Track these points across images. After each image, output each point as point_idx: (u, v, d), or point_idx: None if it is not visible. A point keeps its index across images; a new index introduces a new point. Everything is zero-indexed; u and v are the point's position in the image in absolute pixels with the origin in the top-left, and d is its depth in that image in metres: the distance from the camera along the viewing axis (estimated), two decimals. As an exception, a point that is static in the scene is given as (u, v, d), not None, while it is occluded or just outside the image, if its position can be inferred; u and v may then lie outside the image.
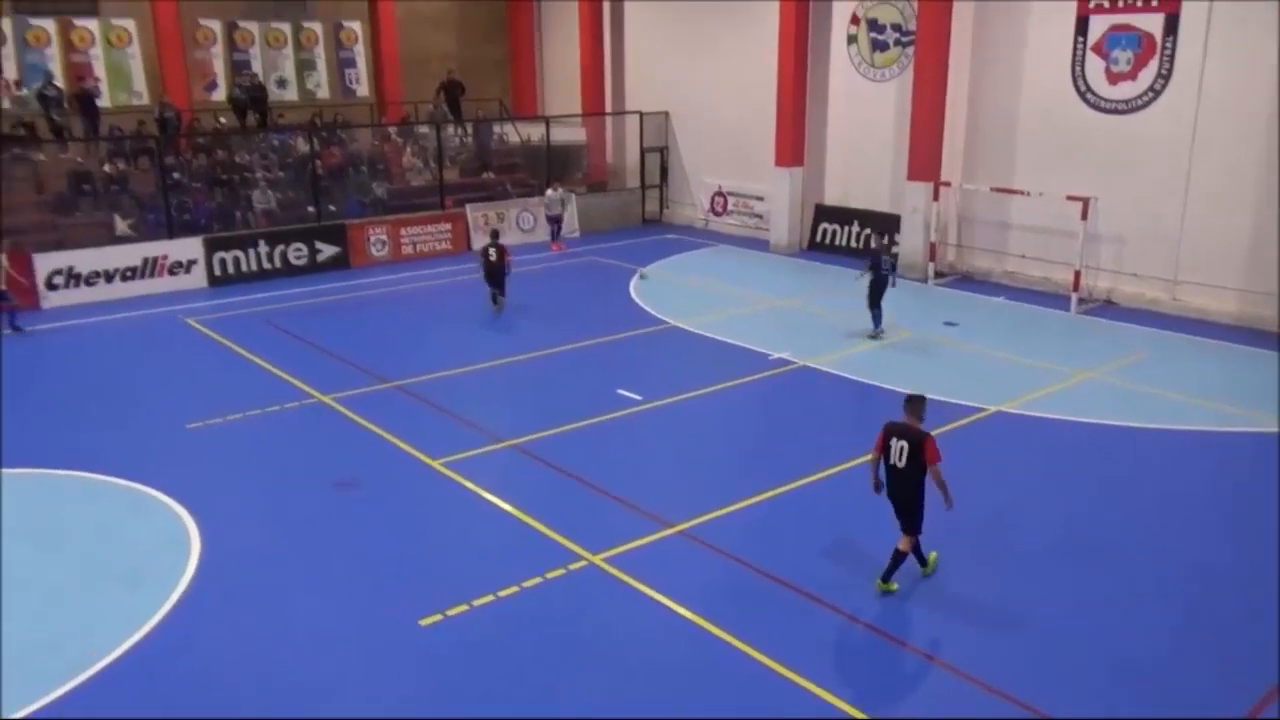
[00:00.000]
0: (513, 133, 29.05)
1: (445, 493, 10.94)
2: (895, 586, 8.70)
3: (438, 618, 8.39)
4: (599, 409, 13.27)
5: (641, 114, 27.93)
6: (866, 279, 16.31)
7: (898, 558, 8.63)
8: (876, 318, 16.49)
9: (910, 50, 21.31)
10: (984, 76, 20.29)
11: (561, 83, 31.12)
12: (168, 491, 10.85)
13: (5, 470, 11.48)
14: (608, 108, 29.10)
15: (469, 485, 11.00)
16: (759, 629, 8.09)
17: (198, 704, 7.36)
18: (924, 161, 20.65)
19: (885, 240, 19.10)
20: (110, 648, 8.00)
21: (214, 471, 11.57)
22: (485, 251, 18.67)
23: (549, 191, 25.12)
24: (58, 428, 13.02)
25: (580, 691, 7.45)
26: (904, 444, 8.42)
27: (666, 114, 27.84)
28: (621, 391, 13.83)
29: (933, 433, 8.53)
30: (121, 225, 21.06)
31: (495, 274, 18.42)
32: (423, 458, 11.78)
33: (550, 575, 9.04)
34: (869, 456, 8.80)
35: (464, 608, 8.53)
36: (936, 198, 20.65)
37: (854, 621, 8.34)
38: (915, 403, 8.56)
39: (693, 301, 19.18)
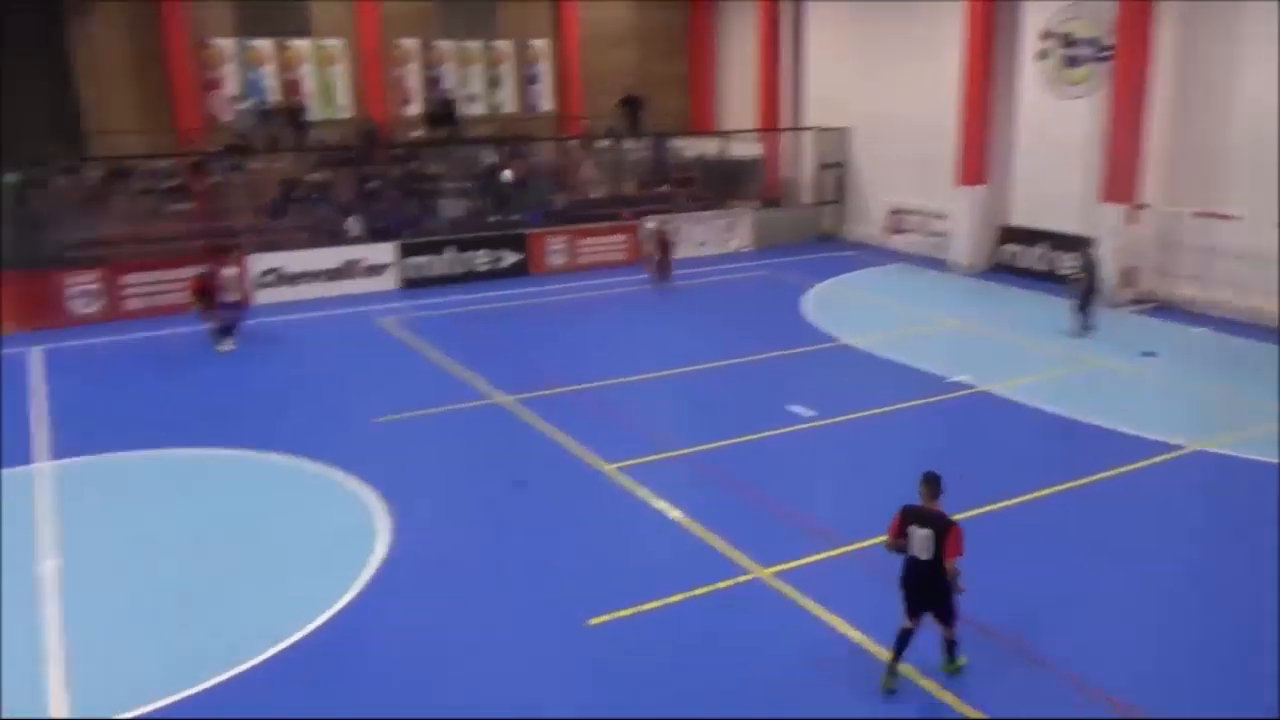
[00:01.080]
0: (689, 147, 29.33)
1: (616, 497, 11.11)
2: (963, 659, 7.67)
3: (606, 618, 8.53)
4: (769, 423, 13.19)
5: (819, 129, 27.70)
6: (1080, 279, 17.31)
7: (950, 647, 7.60)
8: (1085, 319, 17.21)
9: (1106, 67, 20.24)
10: (1189, 89, 19.03)
11: (739, 99, 31.21)
12: (360, 479, 11.47)
13: (220, 450, 12.44)
14: (785, 123, 28.99)
15: (639, 491, 11.13)
16: (929, 657, 7.83)
17: (373, 686, 7.75)
18: (1119, 182, 19.55)
19: (1088, 253, 18.16)
20: (300, 625, 8.51)
21: (399, 463, 12.14)
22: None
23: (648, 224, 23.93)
24: (264, 414, 14.00)
25: (741, 703, 7.41)
26: (928, 532, 7.24)
27: (845, 130, 27.48)
28: (792, 407, 13.70)
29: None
30: (355, 228, 22.36)
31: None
32: (595, 461, 12.01)
33: (718, 586, 9.04)
34: (884, 539, 7.58)
35: (632, 611, 8.63)
36: (1132, 220, 19.52)
37: (1033, 662, 7.96)
38: (931, 483, 7.39)
39: (867, 319, 18.83)
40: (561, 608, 8.75)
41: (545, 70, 30.54)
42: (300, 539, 10.23)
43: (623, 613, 8.60)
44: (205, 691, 7.63)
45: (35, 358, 16.88)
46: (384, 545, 9.94)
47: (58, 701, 7.52)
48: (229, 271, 18.00)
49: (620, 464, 11.89)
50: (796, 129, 28.73)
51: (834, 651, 8.06)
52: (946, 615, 7.46)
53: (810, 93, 28.52)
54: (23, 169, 20.20)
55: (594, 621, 8.48)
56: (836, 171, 27.88)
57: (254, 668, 7.93)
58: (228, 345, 17.20)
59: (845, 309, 19.85)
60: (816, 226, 28.01)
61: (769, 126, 29.00)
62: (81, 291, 19.20)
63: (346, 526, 10.46)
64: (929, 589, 7.34)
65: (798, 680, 7.69)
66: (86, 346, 17.65)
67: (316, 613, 8.67)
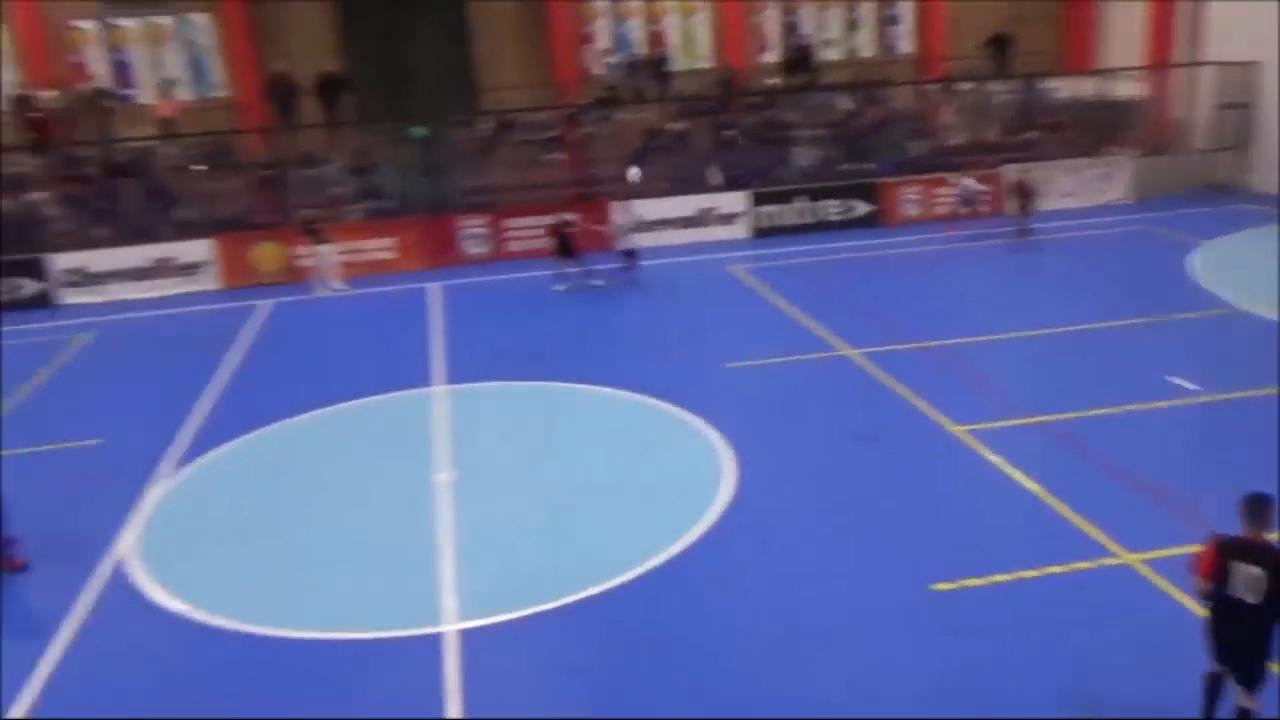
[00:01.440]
0: (1062, 88, 27.03)
1: (964, 461, 10.74)
2: None
3: (951, 585, 8.34)
4: (1142, 395, 12.08)
5: (1220, 64, 24.42)
6: None
7: (1244, 716, 6.07)
8: None
9: None
10: None
11: (1122, 33, 28.17)
12: (709, 421, 11.97)
13: (580, 385, 13.49)
14: (1178, 58, 25.84)
15: (990, 457, 10.68)
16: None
17: (715, 624, 8.14)
18: None
19: None
20: (650, 555, 9.10)
21: (746, 409, 12.50)
22: None
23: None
24: (622, 355, 14.96)
25: (1086, 695, 6.98)
26: (1259, 572, 5.74)
27: (1253, 65, 23.99)
28: (1173, 379, 12.44)
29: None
30: (715, 177, 23.14)
31: None
32: (944, 422, 11.66)
33: (1077, 566, 8.51)
34: (1195, 581, 6.08)
35: (980, 581, 8.37)
36: None
37: None
38: (1261, 507, 5.91)
39: (1270, 283, 16.56)
40: (904, 568, 8.67)
41: (907, 10, 29.35)
42: (653, 473, 10.89)
43: (970, 581, 8.36)
44: (572, 604, 8.41)
45: (434, 292, 19.11)
46: (729, 488, 10.33)
47: (448, 600, 8.62)
48: (616, 214, 19.48)
49: (971, 426, 11.46)
50: (1193, 64, 25.53)
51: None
52: (1254, 677, 5.96)
53: (1211, 21, 25.15)
54: (428, 123, 22.67)
55: (938, 587, 8.32)
56: (1239, 113, 24.50)
57: (619, 586, 8.61)
58: (562, 287, 18.50)
59: (1242, 270, 17.57)
60: (1209, 176, 24.86)
61: (1159, 63, 26.01)
62: (472, 234, 21.41)
63: (695, 465, 10.98)
64: (1249, 637, 5.88)
65: (1153, 682, 7.10)
66: (475, 284, 19.68)
67: (665, 544, 9.23)
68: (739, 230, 22.40)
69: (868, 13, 29.07)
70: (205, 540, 10.01)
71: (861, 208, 22.82)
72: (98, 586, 9.18)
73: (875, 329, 15.24)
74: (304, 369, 15.27)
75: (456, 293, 19.11)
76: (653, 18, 27.65)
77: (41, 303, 19.92)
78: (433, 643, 7.99)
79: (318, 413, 13.13)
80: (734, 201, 22.46)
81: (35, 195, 21.69)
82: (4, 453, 12.10)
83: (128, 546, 9.85)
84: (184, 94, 24.71)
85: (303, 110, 23.21)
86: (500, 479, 10.93)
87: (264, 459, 12.00)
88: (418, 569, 9.11)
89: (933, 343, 14.47)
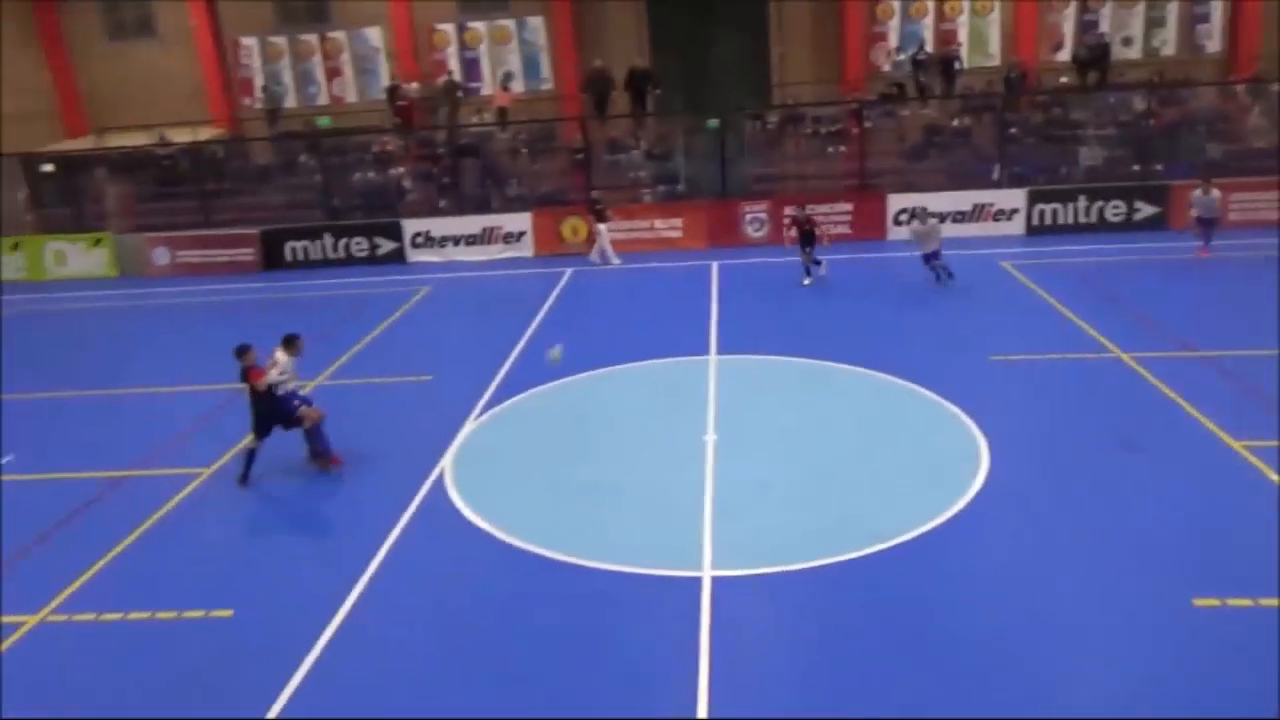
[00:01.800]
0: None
1: (1242, 478, 9.52)
2: None
3: (1215, 602, 7.46)
4: None
5: None
6: None
7: None
8: None
9: None
10: None
11: None
12: (969, 412, 11.37)
13: (842, 365, 13.20)
14: None
15: (1272, 476, 9.41)
16: None
17: (949, 602, 7.74)
18: None
19: None
20: (899, 531, 8.80)
21: (1006, 403, 11.74)
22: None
23: (1196, 192, 18.65)
24: (888, 340, 14.46)
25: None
26: None
27: None
28: None
29: None
30: (994, 173, 21.83)
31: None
32: (1221, 435, 10.39)
33: (1366, 602, 7.36)
34: None
35: (1248, 602, 7.43)
36: None
37: None
38: None
39: None
40: (1163, 579, 7.85)
41: (1217, 7, 26.00)
42: (908, 454, 10.49)
43: (1237, 601, 7.44)
44: (821, 567, 8.33)
45: (714, 270, 19.37)
46: (980, 479, 9.78)
47: (707, 549, 8.78)
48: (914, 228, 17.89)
49: (1251, 443, 10.12)
50: None
51: None
52: None
53: None
54: (722, 116, 22.90)
55: (1201, 602, 7.47)
56: None
57: (868, 555, 8.43)
58: (810, 279, 17.79)
59: None
60: None
61: None
62: (753, 218, 21.46)
63: (950, 452, 10.47)
64: None
65: None
66: (753, 264, 19.73)
67: (915, 523, 8.90)
68: (1015, 227, 20.94)
69: (1173, 10, 26.06)
70: (506, 471, 10.80)
71: (1146, 209, 20.62)
72: (419, 499, 10.16)
73: (1152, 333, 13.80)
74: (598, 330, 16.01)
75: (734, 272, 19.25)
76: (945, 16, 26.27)
77: (396, 259, 22.15)
78: (692, 585, 8.20)
79: (608, 369, 13.74)
80: (1012, 198, 21.01)
81: (397, 170, 24.09)
82: (357, 381, 13.66)
83: (446, 469, 10.83)
84: (518, 87, 26.42)
85: (614, 102, 24.15)
86: (764, 445, 10.95)
87: (560, 406, 12.73)
88: (684, 517, 9.34)
89: (1214, 352, 12.90)
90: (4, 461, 11.76)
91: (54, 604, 8.56)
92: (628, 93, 23.94)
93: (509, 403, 12.78)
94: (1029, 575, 8.10)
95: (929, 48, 25.35)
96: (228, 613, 8.28)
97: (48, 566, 9.25)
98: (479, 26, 26.96)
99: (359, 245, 22.26)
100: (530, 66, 27.22)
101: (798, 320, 15.77)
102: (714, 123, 22.81)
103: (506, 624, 7.89)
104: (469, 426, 12.01)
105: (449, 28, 26.94)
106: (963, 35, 26.25)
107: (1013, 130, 22.67)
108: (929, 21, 26.25)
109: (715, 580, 8.25)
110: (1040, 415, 11.46)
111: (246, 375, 10.48)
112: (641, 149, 23.95)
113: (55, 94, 27.59)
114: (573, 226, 21.87)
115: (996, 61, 25.95)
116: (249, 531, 10.13)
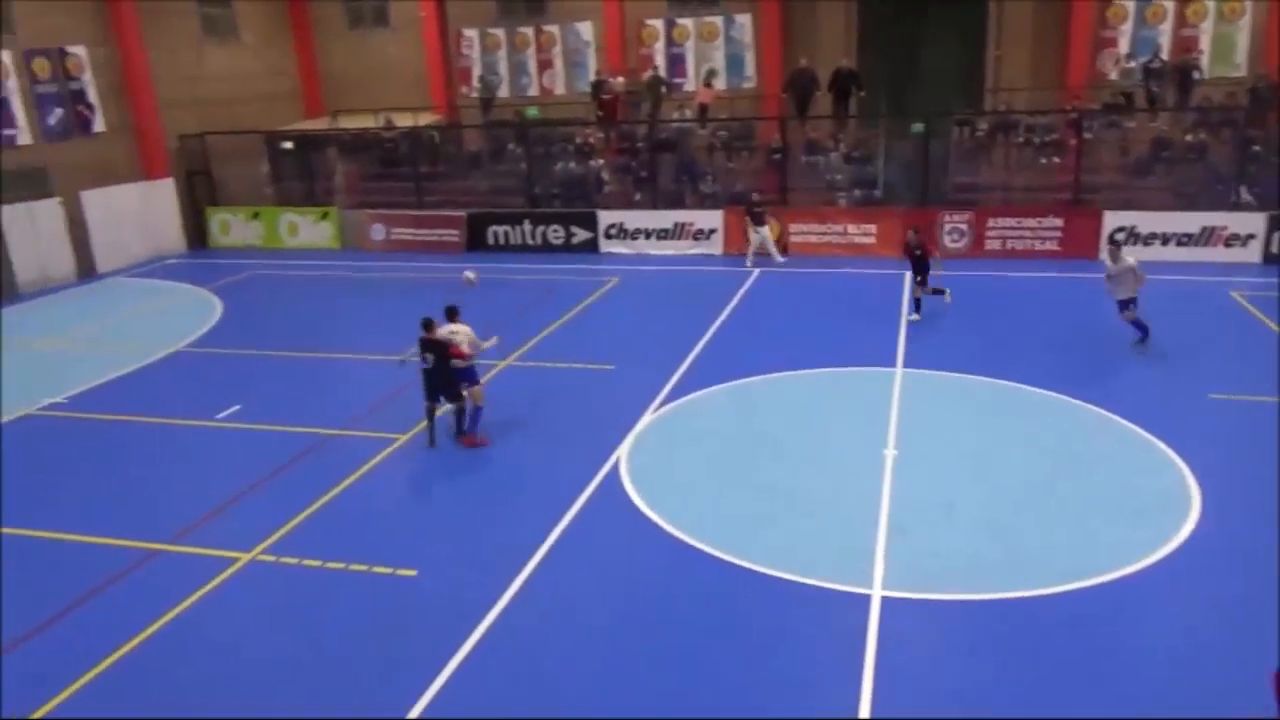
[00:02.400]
0: None
1: None
2: None
3: None
4: None
5: None
6: None
7: None
8: None
9: None
10: None
11: None
12: (1179, 451, 10.46)
13: (1039, 390, 12.42)
14: None
15: None
16: None
17: (1133, 658, 7.13)
18: None
19: None
20: (1092, 574, 8.20)
21: (1226, 444, 10.71)
22: None
23: None
24: (1096, 369, 13.48)
25: None
26: None
27: None
28: None
29: None
30: (1236, 194, 19.99)
31: None
32: None
33: None
34: None
35: None
36: None
37: None
38: None
39: None
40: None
41: None
42: (1105, 491, 9.76)
43: None
44: (996, 601, 7.90)
45: (906, 280, 18.64)
46: (1188, 527, 8.97)
47: (879, 567, 8.51)
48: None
49: None
50: None
51: None
52: None
53: None
54: (928, 120, 22.03)
55: None
56: None
57: (1049, 595, 7.94)
58: (918, 315, 16.04)
59: None
60: None
61: None
62: (953, 229, 20.54)
63: (1153, 494, 9.67)
64: None
65: None
66: (948, 277, 18.86)
67: (1106, 567, 8.28)
68: (1250, 254, 18.99)
69: None
70: (681, 465, 10.88)
71: None
72: (595, 483, 10.40)
73: None
74: (783, 333, 15.81)
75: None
76: (1186, 21, 24.12)
77: (589, 248, 22.73)
78: (860, 602, 7.98)
79: (790, 373, 13.56)
80: (1249, 222, 19.07)
81: (596, 162, 24.71)
82: (544, 364, 14.15)
83: (622, 458, 11.02)
84: (720, 84, 26.45)
85: (816, 102, 23.74)
86: (946, 465, 10.50)
87: (739, 406, 12.68)
88: (857, 532, 9.11)
89: None
90: (232, 410, 12.97)
91: (263, 544, 9.37)
92: (830, 93, 23.47)
93: (688, 398, 12.85)
94: (1236, 640, 7.35)
95: (1164, 55, 23.37)
96: (412, 571, 8.79)
97: (261, 510, 10.14)
98: (687, 23, 27.17)
99: (555, 233, 23.00)
100: (734, 64, 27.18)
101: (993, 339, 14.96)
102: (918, 127, 21.98)
103: (670, 616, 7.97)
104: (647, 417, 12.17)
105: (658, 23, 27.31)
106: (1205, 42, 24.00)
107: (1256, 148, 20.56)
108: (1167, 26, 24.17)
109: (885, 600, 7.99)
110: (1265, 463, 10.37)
111: (447, 350, 11.07)
112: (840, 152, 23.41)
113: (299, 77, 30.06)
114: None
115: (1242, 72, 23.59)
116: (436, 497, 10.72)
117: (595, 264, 21.67)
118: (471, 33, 28.83)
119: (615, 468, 10.75)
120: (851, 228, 21.22)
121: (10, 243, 20.61)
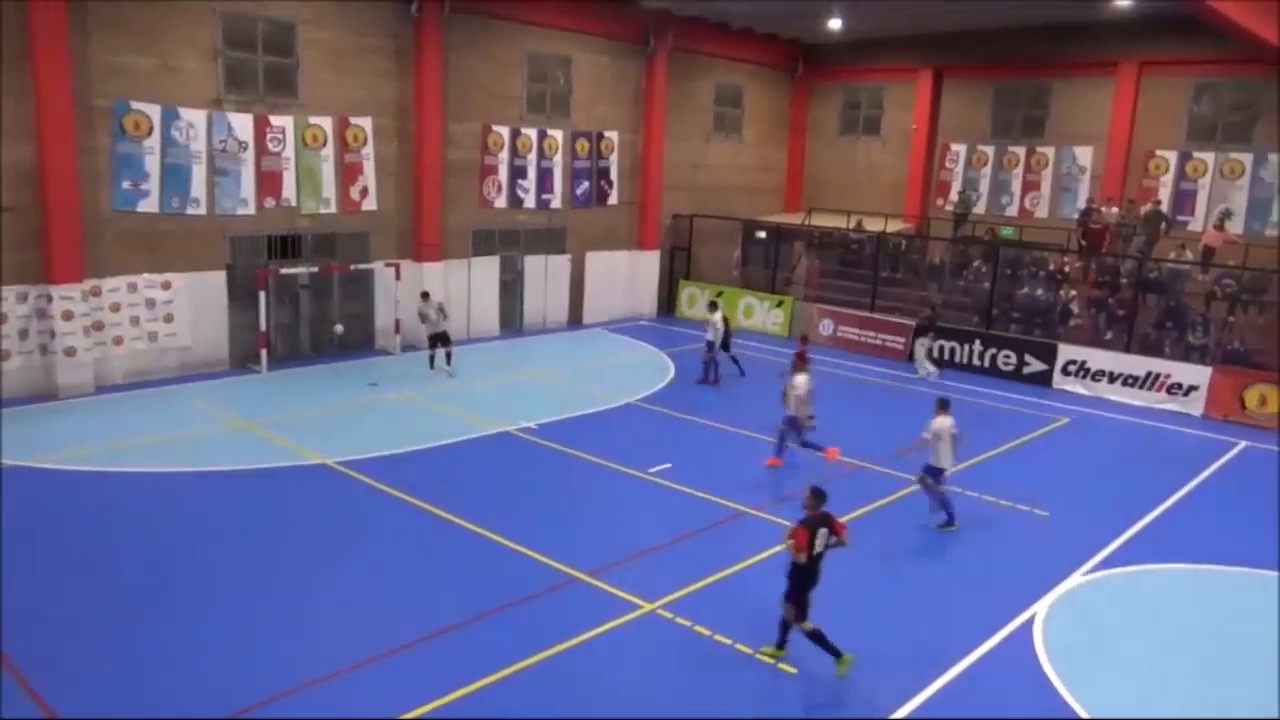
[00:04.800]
0: None
1: None
2: None
3: None
4: None
5: None
6: None
7: None
8: None
9: None
10: None
11: None
12: None
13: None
14: None
15: None
16: None
17: None
18: None
19: None
20: None
21: None
22: None
23: None
24: None
25: None
26: None
27: None
28: None
29: None
30: None
31: None
32: None
33: None
34: None
35: None
36: None
37: None
38: None
39: None
40: None
41: None
42: None
43: None
44: None
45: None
46: None
47: None
48: None
49: None
50: None
51: None
52: None
53: None
54: None
55: None
56: None
57: None
58: None
59: None
60: None
61: None
62: None
63: None
64: None
65: None
66: None
67: None
68: None
69: None
70: (1106, 642, 9.56)
71: None
72: (1003, 634, 9.52)
73: None
74: (1261, 519, 13.28)
75: None
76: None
77: (1041, 381, 21.15)
78: None
79: (1251, 570, 11.36)
80: None
81: (1068, 293, 23.03)
82: (970, 493, 13.35)
83: (1038, 615, 9.99)
84: (1235, 228, 23.33)
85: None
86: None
87: (1184, 591, 10.88)
88: None
89: None
90: (663, 467, 14.05)
91: (665, 599, 9.96)
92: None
93: (1136, 567, 11.34)
94: None
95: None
96: (793, 670, 8.74)
97: (670, 566, 10.81)
98: (1207, 157, 24.40)
99: (1006, 358, 21.78)
100: (1257, 207, 23.80)
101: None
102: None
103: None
104: (1075, 578, 10.93)
105: (1170, 154, 24.89)
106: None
107: None
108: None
109: None
110: None
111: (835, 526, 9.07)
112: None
113: (785, 174, 32.18)
114: (1261, 395, 18.57)
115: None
116: (859, 579, 10.41)
117: (1045, 398, 20.11)
118: (959, 147, 28.70)
119: (1028, 623, 9.77)
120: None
121: (526, 285, 24.60)
